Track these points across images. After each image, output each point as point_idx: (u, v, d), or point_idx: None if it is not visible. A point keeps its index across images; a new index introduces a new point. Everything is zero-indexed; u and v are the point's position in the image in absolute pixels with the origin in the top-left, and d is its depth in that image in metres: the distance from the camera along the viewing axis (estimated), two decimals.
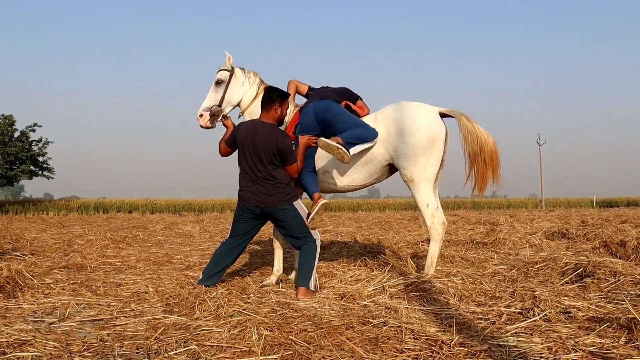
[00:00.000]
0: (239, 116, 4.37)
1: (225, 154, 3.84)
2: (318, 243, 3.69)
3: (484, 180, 3.78)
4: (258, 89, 4.29)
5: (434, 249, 3.85)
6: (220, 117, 4.15)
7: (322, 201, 3.71)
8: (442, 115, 3.94)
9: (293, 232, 3.67)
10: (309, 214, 3.70)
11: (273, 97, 3.69)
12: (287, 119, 4.15)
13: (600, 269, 3.61)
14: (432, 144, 3.75)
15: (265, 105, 3.71)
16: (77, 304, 3.25)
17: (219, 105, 4.18)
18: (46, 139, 25.96)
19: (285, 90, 3.99)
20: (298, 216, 3.65)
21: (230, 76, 4.24)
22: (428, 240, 5.19)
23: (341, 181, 4.04)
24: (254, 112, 4.27)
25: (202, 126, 4.14)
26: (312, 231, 3.68)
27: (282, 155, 3.59)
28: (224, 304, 3.15)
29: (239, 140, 3.65)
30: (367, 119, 4.00)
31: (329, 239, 8.00)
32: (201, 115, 4.13)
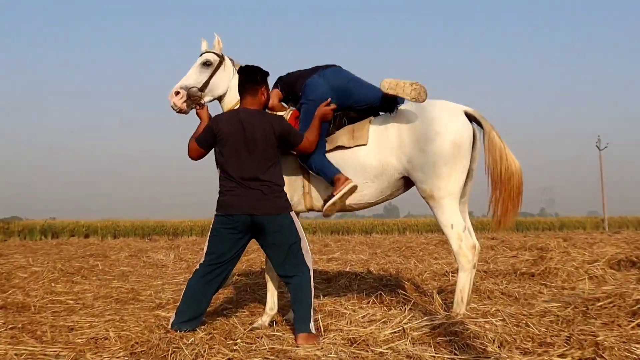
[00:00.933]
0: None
1: (196, 155, 3.84)
2: (311, 272, 3.69)
3: (506, 215, 3.92)
4: None
5: (463, 281, 3.85)
6: (195, 105, 4.18)
7: (350, 183, 3.86)
8: (468, 117, 3.96)
9: (286, 255, 3.64)
10: (330, 196, 3.86)
11: (257, 78, 3.80)
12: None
13: None
14: (456, 151, 3.79)
15: (249, 89, 3.79)
16: (16, 354, 3.22)
17: (201, 89, 4.22)
18: None
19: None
20: (295, 232, 3.67)
21: (220, 63, 4.34)
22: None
23: (351, 197, 4.05)
24: None
25: (175, 107, 4.16)
26: (306, 257, 3.68)
27: (285, 139, 3.71)
28: (204, 352, 3.14)
29: (223, 136, 3.66)
30: (376, 119, 4.08)
31: (336, 269, 7.98)
32: (177, 93, 4.16)
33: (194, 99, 4.17)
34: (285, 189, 3.82)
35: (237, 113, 3.75)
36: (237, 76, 4.22)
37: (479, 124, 4.00)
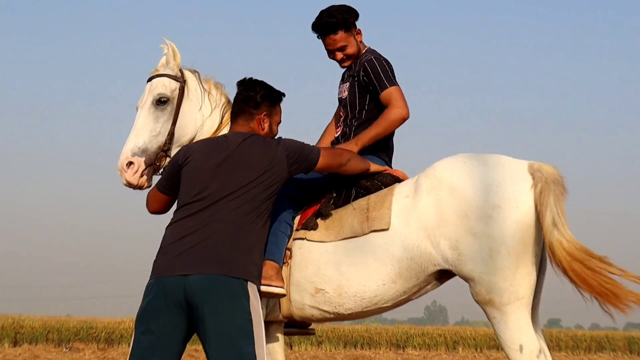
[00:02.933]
0: None
1: (160, 207, 3.09)
2: None
3: (603, 296, 2.87)
4: (222, 117, 3.47)
5: None
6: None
7: (279, 290, 3.00)
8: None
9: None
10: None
11: (257, 98, 3.01)
12: None
13: None
14: (527, 233, 2.97)
15: (243, 112, 3.03)
16: None
17: (167, 144, 3.28)
18: None
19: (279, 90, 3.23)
20: (249, 321, 2.69)
21: (181, 90, 3.33)
22: None
23: (353, 301, 3.21)
24: None
25: (129, 183, 3.20)
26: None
27: (297, 161, 2.95)
28: None
29: (192, 166, 2.88)
30: (401, 189, 3.26)
31: None
32: (130, 164, 3.17)
33: (157, 164, 3.29)
34: None
35: (216, 139, 3.09)
36: (207, 101, 3.46)
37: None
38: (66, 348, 18.35)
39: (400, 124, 3.34)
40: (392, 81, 3.34)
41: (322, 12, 3.43)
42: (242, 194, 2.73)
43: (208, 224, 2.68)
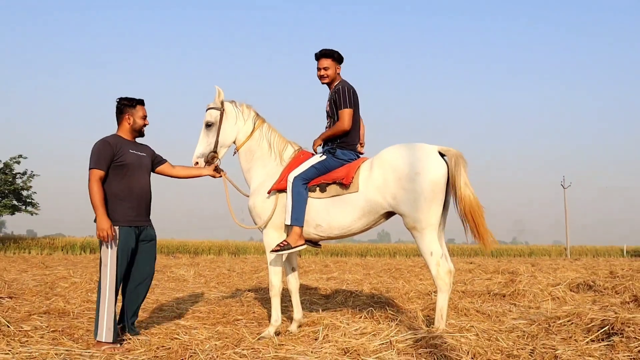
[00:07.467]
0: (234, 153, 4.48)
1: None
2: (104, 288, 3.74)
3: (475, 236, 3.84)
4: (254, 124, 4.40)
5: (442, 301, 3.87)
6: (220, 173, 4.33)
7: (303, 245, 4.07)
8: (441, 154, 3.92)
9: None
10: (286, 245, 3.99)
11: (121, 107, 3.98)
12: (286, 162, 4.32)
13: (629, 327, 3.58)
14: (433, 188, 3.78)
15: (117, 117, 4.01)
16: (56, 354, 3.27)
17: (214, 150, 4.30)
18: (31, 171, 26.19)
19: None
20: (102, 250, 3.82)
21: (221, 115, 4.31)
22: None
23: (336, 230, 4.13)
24: (250, 149, 4.40)
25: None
26: (102, 276, 3.75)
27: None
28: (217, 357, 3.17)
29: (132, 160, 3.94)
30: (364, 166, 4.08)
31: (334, 287, 7.99)
32: (196, 164, 4.30)
33: (212, 161, 4.33)
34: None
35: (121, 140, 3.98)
36: (241, 117, 4.37)
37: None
38: (172, 256, 22.96)
39: (342, 132, 4.15)
40: (347, 104, 4.10)
41: (325, 48, 4.28)
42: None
43: None
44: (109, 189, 3.82)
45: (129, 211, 3.85)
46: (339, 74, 4.34)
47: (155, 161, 4.21)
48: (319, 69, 4.30)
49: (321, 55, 4.29)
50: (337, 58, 4.30)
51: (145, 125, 4.07)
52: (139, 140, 4.14)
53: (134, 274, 3.98)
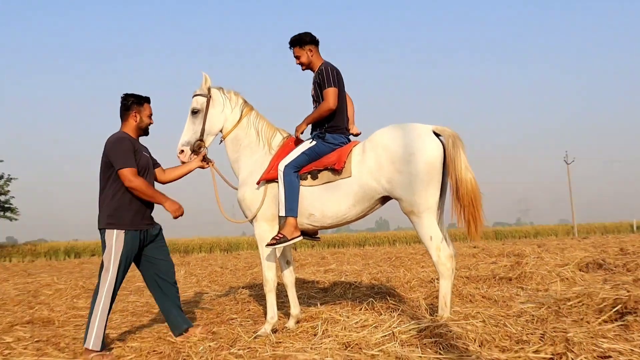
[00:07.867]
0: (220, 142, 4.35)
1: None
2: (99, 297, 3.65)
3: (466, 223, 3.68)
4: (242, 112, 4.30)
5: (445, 288, 3.76)
6: (208, 163, 4.22)
7: (299, 237, 3.94)
8: (436, 134, 3.81)
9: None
10: (282, 238, 3.87)
11: (128, 103, 3.91)
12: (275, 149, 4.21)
13: None
14: (430, 169, 3.68)
15: (121, 114, 3.94)
16: None
17: (200, 138, 4.19)
18: (8, 175, 25.87)
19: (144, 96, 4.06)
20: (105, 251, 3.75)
21: (208, 102, 4.21)
22: None
23: (330, 219, 4.03)
24: (236, 137, 4.27)
25: (182, 162, 4.22)
26: (101, 283, 3.67)
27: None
28: (211, 359, 3.07)
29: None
30: (356, 150, 3.97)
31: (332, 280, 7.88)
32: (181, 152, 4.17)
33: (198, 149, 4.21)
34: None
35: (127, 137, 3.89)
36: (228, 104, 4.28)
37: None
38: None
39: (328, 112, 4.03)
40: (331, 84, 4.01)
41: (292, 35, 4.22)
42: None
43: None
44: (120, 191, 3.75)
45: (136, 215, 3.79)
46: (316, 56, 4.23)
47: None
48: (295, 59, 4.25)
49: (290, 45, 4.23)
50: (304, 42, 4.19)
51: (150, 124, 4.04)
52: (141, 139, 4.09)
53: (155, 274, 4.01)
